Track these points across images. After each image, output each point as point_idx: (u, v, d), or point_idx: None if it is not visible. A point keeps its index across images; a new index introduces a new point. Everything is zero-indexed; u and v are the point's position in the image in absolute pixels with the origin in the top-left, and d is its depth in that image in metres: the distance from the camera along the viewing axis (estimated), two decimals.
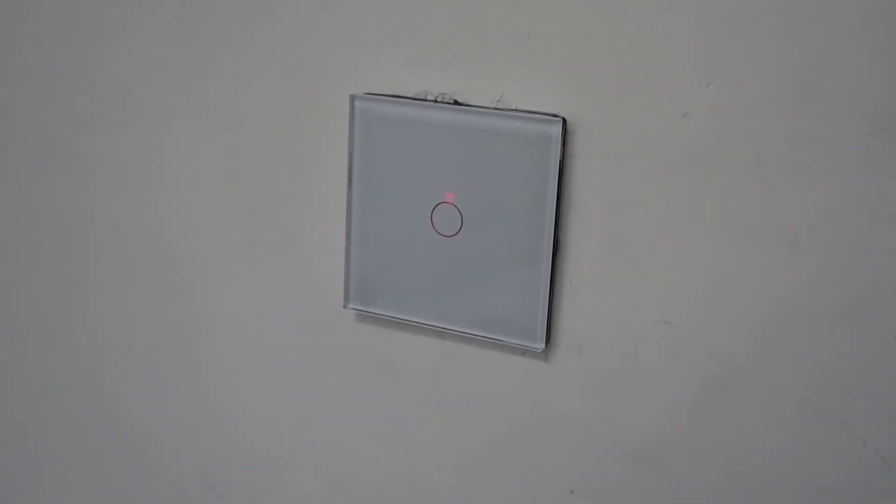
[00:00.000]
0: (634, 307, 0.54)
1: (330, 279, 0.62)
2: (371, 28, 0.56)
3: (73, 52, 0.66)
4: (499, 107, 0.54)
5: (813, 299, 0.50)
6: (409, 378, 0.62)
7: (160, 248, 0.68)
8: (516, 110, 0.53)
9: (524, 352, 0.57)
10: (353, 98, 0.57)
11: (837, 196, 0.48)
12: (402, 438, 0.63)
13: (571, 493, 0.59)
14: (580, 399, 0.57)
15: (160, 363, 0.71)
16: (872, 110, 0.46)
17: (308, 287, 0.63)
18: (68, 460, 0.78)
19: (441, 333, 0.59)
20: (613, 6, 0.50)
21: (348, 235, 0.59)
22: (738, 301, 0.52)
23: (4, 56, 0.68)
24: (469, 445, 0.61)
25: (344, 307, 0.61)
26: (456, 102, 0.54)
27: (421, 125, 0.55)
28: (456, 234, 0.56)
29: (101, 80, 0.65)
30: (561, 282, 0.55)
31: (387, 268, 0.59)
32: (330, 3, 0.57)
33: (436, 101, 0.55)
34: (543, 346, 0.56)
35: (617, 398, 0.56)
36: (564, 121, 0.52)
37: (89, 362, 0.74)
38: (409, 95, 0.56)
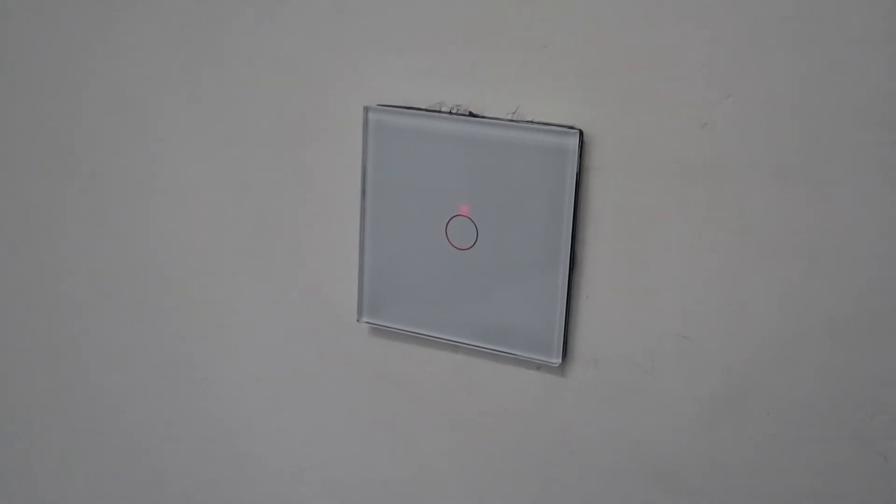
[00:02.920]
0: (651, 320, 0.54)
1: (343, 293, 0.61)
2: (385, 39, 0.56)
3: (83, 63, 0.66)
4: (514, 118, 0.53)
5: (832, 312, 0.50)
6: (422, 392, 0.61)
7: (170, 259, 0.67)
8: (532, 122, 0.53)
9: (539, 366, 0.57)
10: (366, 109, 0.56)
11: (857, 207, 0.48)
12: (415, 453, 0.63)
13: None
14: (596, 414, 0.57)
15: (170, 377, 0.70)
16: (892, 121, 0.46)
17: (321, 300, 0.63)
18: (74, 476, 0.77)
19: (455, 347, 0.59)
20: (630, 17, 0.49)
21: (361, 248, 0.59)
22: (756, 314, 0.51)
23: (22, 72, 0.68)
24: (483, 461, 0.61)
25: (357, 321, 0.60)
26: (471, 114, 0.54)
27: (435, 137, 0.55)
28: (471, 247, 0.56)
29: (110, 91, 0.65)
30: (577, 295, 0.55)
31: (401, 281, 0.58)
32: (343, 13, 0.56)
33: (450, 112, 0.55)
34: (560, 360, 0.55)
35: (634, 413, 0.56)
36: (581, 133, 0.51)
37: (96, 375, 0.73)
38: (424, 107, 0.55)
